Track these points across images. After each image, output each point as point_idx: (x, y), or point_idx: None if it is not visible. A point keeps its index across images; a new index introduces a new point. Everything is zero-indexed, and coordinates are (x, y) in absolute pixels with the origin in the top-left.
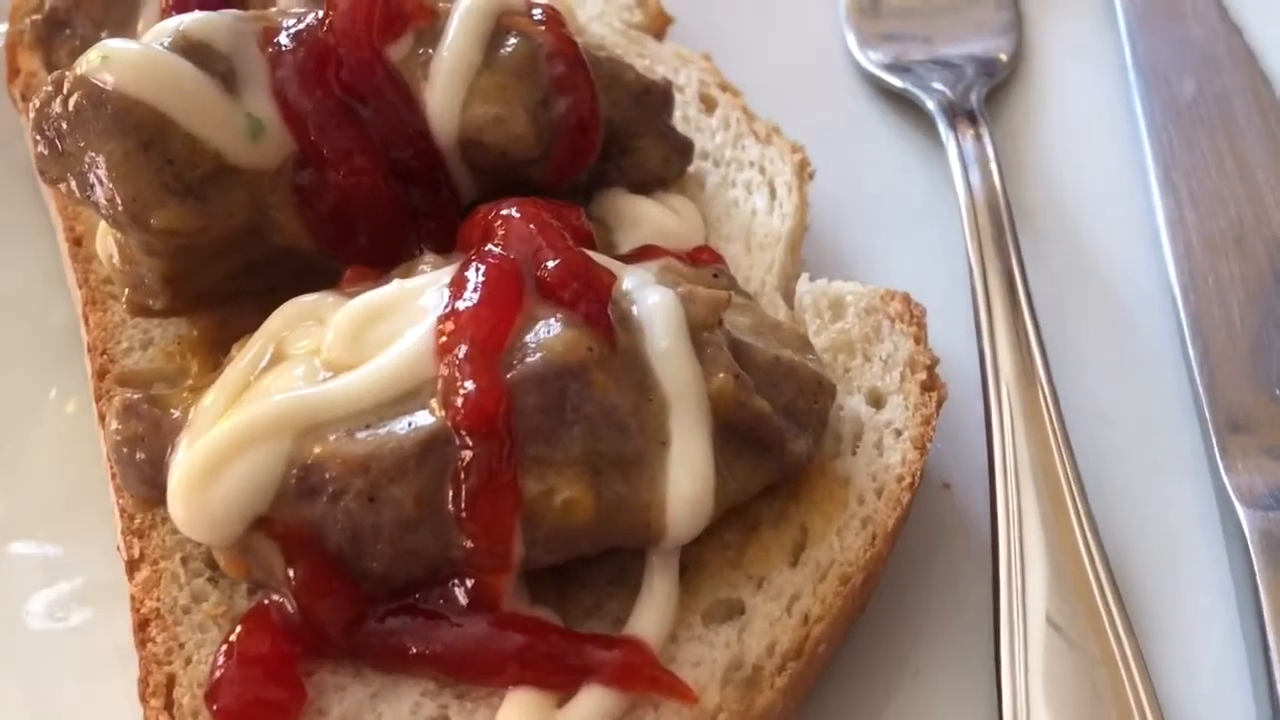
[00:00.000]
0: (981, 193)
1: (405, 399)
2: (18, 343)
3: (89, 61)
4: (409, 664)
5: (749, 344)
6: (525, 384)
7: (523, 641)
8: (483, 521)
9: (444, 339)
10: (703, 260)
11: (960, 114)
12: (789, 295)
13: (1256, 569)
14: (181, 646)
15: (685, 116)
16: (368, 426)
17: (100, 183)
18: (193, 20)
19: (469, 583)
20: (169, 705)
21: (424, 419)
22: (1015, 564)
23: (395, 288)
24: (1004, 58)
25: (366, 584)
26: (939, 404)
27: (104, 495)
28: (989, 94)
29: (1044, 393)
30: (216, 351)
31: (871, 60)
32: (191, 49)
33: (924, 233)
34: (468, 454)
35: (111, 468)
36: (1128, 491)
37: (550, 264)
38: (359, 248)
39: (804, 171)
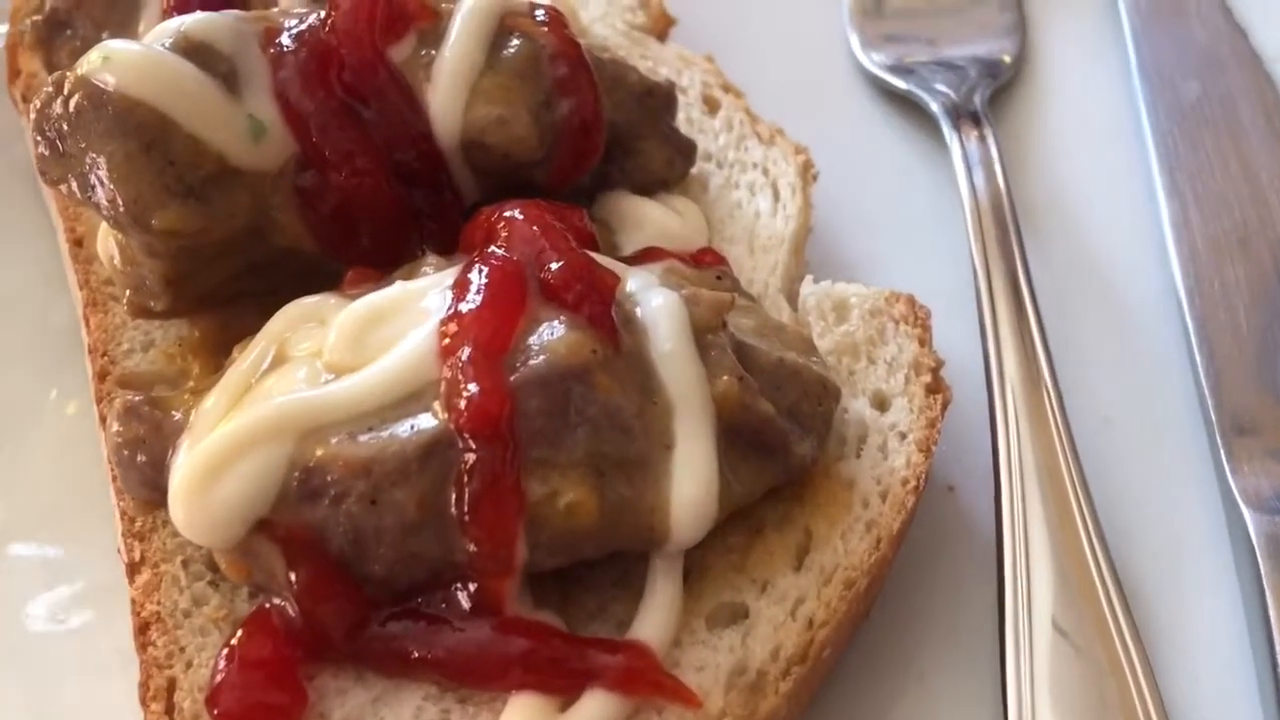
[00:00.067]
0: (986, 194)
1: (408, 401)
2: (18, 344)
3: (90, 62)
4: (411, 668)
5: (753, 346)
6: (529, 386)
7: (526, 646)
8: (486, 525)
9: (447, 341)
10: (706, 262)
11: (964, 115)
12: (793, 297)
13: (1263, 572)
14: (182, 650)
15: (688, 118)
16: (370, 429)
17: (101, 184)
18: (194, 21)
19: (472, 586)
20: (170, 709)
21: (427, 422)
22: (1020, 567)
23: (398, 289)
24: (1008, 59)
25: (368, 587)
26: (944, 407)
27: (105, 497)
28: (993, 95)
29: (1049, 395)
30: (218, 353)
31: (875, 62)
32: (193, 50)
33: (928, 235)
34: (471, 457)
35: (112, 470)
36: (1133, 495)
37: (554, 266)
38: (361, 249)
39: (807, 173)
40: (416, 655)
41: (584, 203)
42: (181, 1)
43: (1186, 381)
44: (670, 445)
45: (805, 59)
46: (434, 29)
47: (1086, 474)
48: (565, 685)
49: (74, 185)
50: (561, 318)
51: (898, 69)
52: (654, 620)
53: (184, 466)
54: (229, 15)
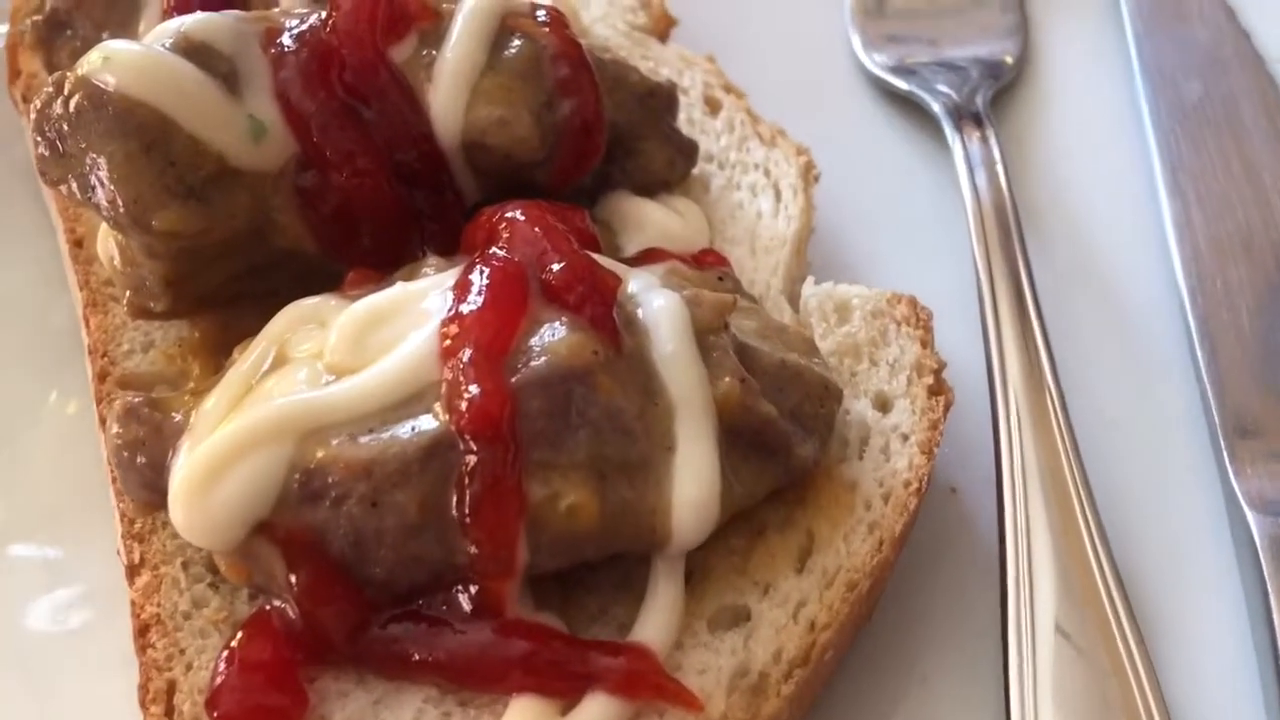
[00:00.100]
0: (988, 195)
1: (409, 403)
2: (18, 344)
3: (90, 63)
4: (412, 670)
5: (755, 348)
6: (530, 388)
7: (527, 648)
8: (487, 527)
9: (448, 342)
10: (708, 263)
11: (966, 116)
12: (794, 298)
13: (1267, 575)
14: (182, 652)
15: (690, 119)
16: (371, 431)
17: (101, 184)
18: (195, 21)
19: (473, 589)
20: (170, 712)
21: (427, 423)
22: (1023, 570)
23: (398, 290)
24: (1010, 60)
25: (369, 590)
26: (946, 408)
27: (105, 498)
28: (995, 96)
29: (1051, 397)
30: (218, 354)
31: (877, 63)
32: (193, 50)
33: (930, 236)
34: (472, 459)
35: (112, 471)
36: (1136, 496)
37: (555, 267)
38: (362, 250)
39: (809, 174)
40: (417, 658)
41: (585, 203)
42: (182, 2)
43: (1189, 383)
44: (672, 447)
45: (807, 60)
46: (435, 29)
47: (1089, 475)
48: (566, 688)
49: (74, 186)
50: (563, 319)
51: (899, 70)
52: (655, 623)
53: (184, 468)
54: (229, 15)
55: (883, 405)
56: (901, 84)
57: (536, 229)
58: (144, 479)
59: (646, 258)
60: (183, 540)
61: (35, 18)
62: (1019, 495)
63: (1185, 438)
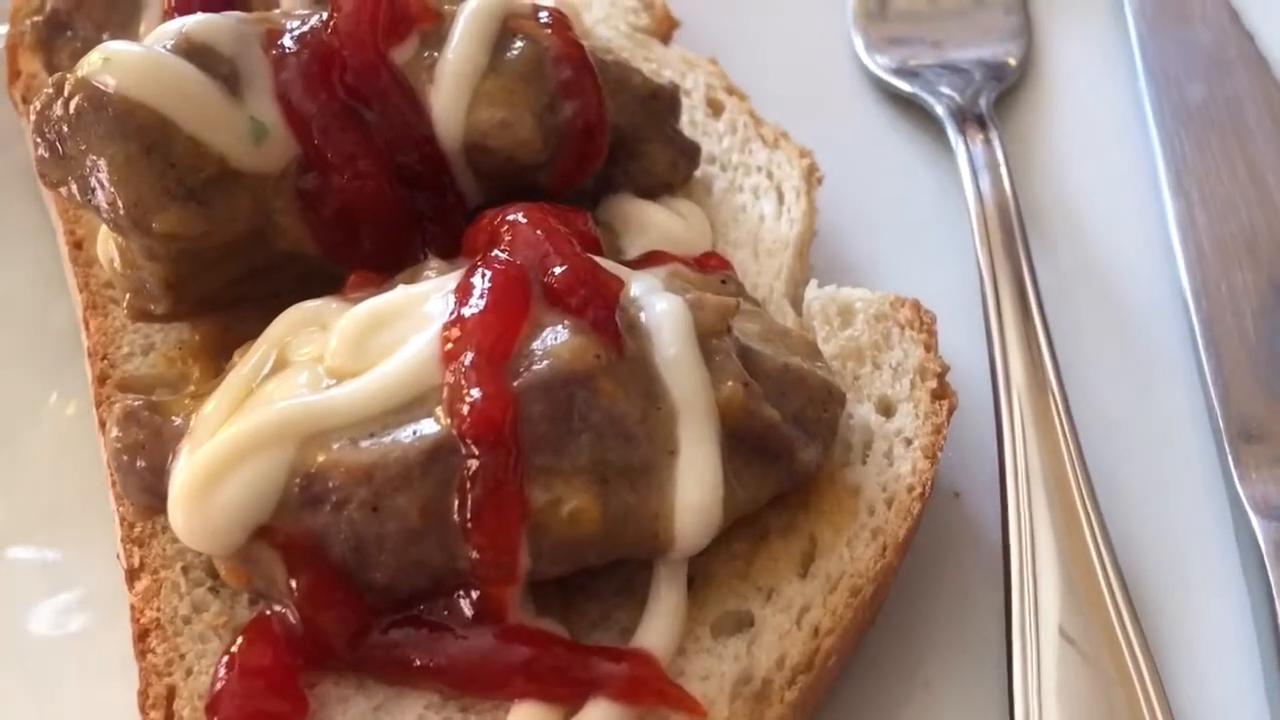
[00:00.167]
0: (991, 198)
1: (410, 407)
2: (18, 345)
3: (90, 64)
4: (413, 676)
5: (758, 351)
6: (532, 392)
7: (528, 654)
8: (488, 532)
9: (449, 346)
10: (710, 266)
11: (969, 119)
12: (797, 302)
13: (1272, 580)
14: (182, 657)
15: (692, 120)
16: (372, 435)
17: (101, 186)
18: (196, 22)
19: (474, 594)
20: (169, 717)
21: (429, 427)
22: (1027, 574)
23: (400, 294)
24: (1013, 62)
25: (370, 595)
26: (950, 412)
27: (105, 500)
28: (998, 98)
29: (1055, 400)
30: (219, 357)
31: (879, 65)
32: (194, 51)
33: (933, 238)
34: (473, 463)
35: (111, 475)
36: (1140, 501)
37: (557, 270)
38: (363, 253)
39: (812, 176)
40: (418, 663)
41: (587, 206)
42: (183, 3)
43: (1193, 387)
44: (674, 451)
45: (809, 62)
46: (436, 31)
47: (1093, 480)
48: (568, 694)
49: (74, 188)
50: (565, 322)
51: (902, 72)
52: (658, 628)
53: (184, 472)
54: (230, 17)
55: (886, 409)
56: (904, 86)
57: (538, 231)
58: (144, 483)
59: (649, 260)
60: (183, 544)
61: (35, 18)
62: (1023, 499)
63: (1189, 442)
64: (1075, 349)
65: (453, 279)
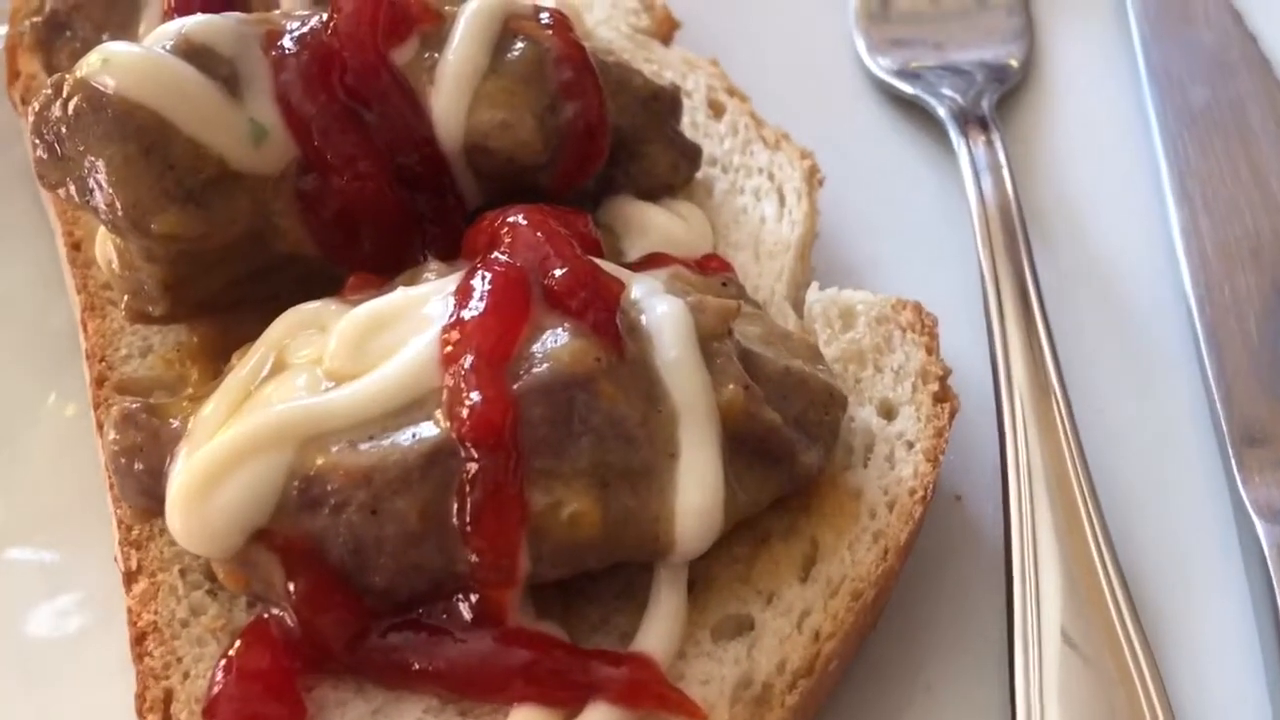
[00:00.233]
0: (993, 200)
1: (409, 409)
2: (16, 346)
3: (89, 64)
4: (412, 680)
5: (759, 354)
6: (532, 395)
7: (528, 658)
8: (488, 535)
9: (449, 348)
10: (711, 268)
11: (971, 120)
12: (798, 304)
13: (1275, 584)
14: (179, 660)
15: (693, 122)
16: (371, 437)
17: (100, 188)
18: (195, 23)
19: (473, 598)
20: None
21: (428, 430)
22: (1029, 578)
23: (399, 296)
24: (1015, 63)
25: (369, 598)
26: (951, 415)
27: (104, 501)
28: (1000, 100)
29: (1057, 404)
30: (217, 359)
31: (881, 66)
32: (194, 52)
33: (935, 241)
34: (473, 466)
35: (109, 477)
36: (1143, 505)
37: (557, 272)
38: (363, 254)
39: (813, 178)
40: (417, 667)
41: (588, 207)
42: (182, 3)
43: (1197, 390)
44: (675, 454)
45: (811, 63)
46: (437, 32)
47: (1095, 482)
48: (568, 698)
49: (72, 189)
50: (565, 325)
51: (904, 73)
52: (658, 632)
53: (182, 475)
54: (230, 18)
55: (887, 412)
56: (906, 88)
57: (539, 233)
58: (141, 485)
59: (650, 263)
60: (180, 547)
61: (35, 19)
62: (1025, 502)
63: (1192, 445)
64: (1077, 351)
65: (452, 281)
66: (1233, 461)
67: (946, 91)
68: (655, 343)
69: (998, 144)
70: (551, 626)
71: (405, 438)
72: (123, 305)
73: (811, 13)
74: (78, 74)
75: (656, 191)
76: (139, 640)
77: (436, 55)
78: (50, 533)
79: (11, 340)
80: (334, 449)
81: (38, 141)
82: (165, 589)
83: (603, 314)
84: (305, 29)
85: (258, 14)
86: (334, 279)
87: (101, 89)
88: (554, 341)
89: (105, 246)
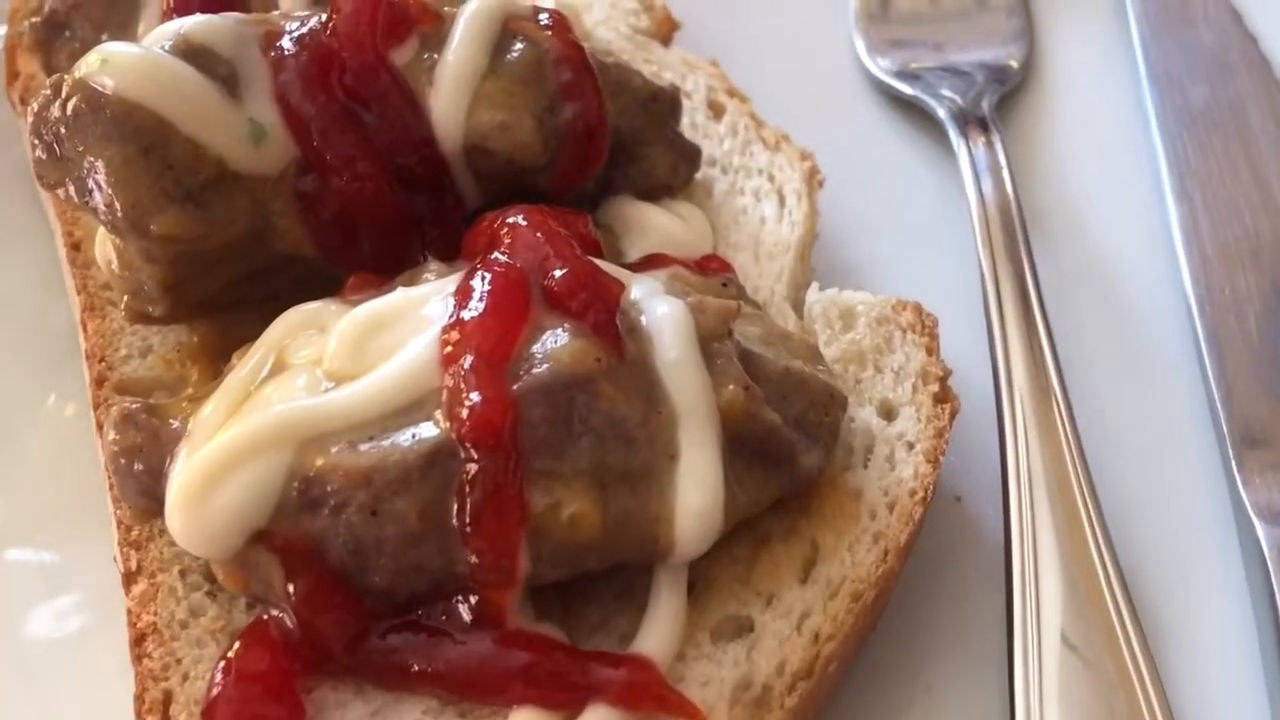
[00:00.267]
0: (993, 201)
1: (409, 410)
2: (16, 346)
3: (88, 65)
4: (411, 681)
5: (759, 355)
6: (532, 395)
7: (527, 659)
8: (488, 536)
9: (449, 349)
10: (711, 269)
11: (971, 121)
12: (798, 305)
13: (1275, 586)
14: (179, 662)
15: (693, 123)
16: (370, 438)
17: (99, 188)
18: (194, 23)
19: (473, 599)
20: None
21: (428, 431)
22: (1029, 579)
23: (399, 296)
24: (1015, 64)
25: (368, 599)
26: (952, 416)
27: (104, 502)
28: (1000, 101)
29: (1058, 405)
30: (217, 359)
31: (881, 67)
32: (193, 53)
33: (935, 241)
34: (473, 467)
35: (109, 478)
36: (1143, 506)
37: (557, 273)
38: (362, 255)
39: (813, 179)
40: (417, 668)
41: (588, 208)
42: (181, 3)
43: (1197, 391)
44: (675, 455)
45: (811, 64)
46: (436, 33)
47: (1095, 484)
48: (567, 699)
49: (71, 189)
50: (565, 326)
51: (904, 74)
52: (657, 633)
53: (181, 476)
54: (229, 18)
55: (888, 413)
56: (906, 89)
57: (538, 234)
58: (141, 486)
59: (649, 263)
60: (180, 548)
61: (34, 19)
62: (1025, 504)
63: (1193, 447)
64: (1078, 352)
65: (452, 281)
66: (1233, 463)
67: (946, 92)
68: (655, 343)
69: (998, 145)
70: (551, 628)
71: (405, 438)
72: (122, 305)
73: (811, 14)
74: (76, 74)
75: (656, 192)
76: (138, 641)
77: (436, 56)
78: (50, 533)
79: (11, 340)
80: (334, 450)
81: (36, 142)
82: (165, 590)
83: (603, 315)
84: (304, 29)
85: (257, 14)
86: (334, 279)
87: (100, 89)
88: (554, 342)
89: (105, 247)
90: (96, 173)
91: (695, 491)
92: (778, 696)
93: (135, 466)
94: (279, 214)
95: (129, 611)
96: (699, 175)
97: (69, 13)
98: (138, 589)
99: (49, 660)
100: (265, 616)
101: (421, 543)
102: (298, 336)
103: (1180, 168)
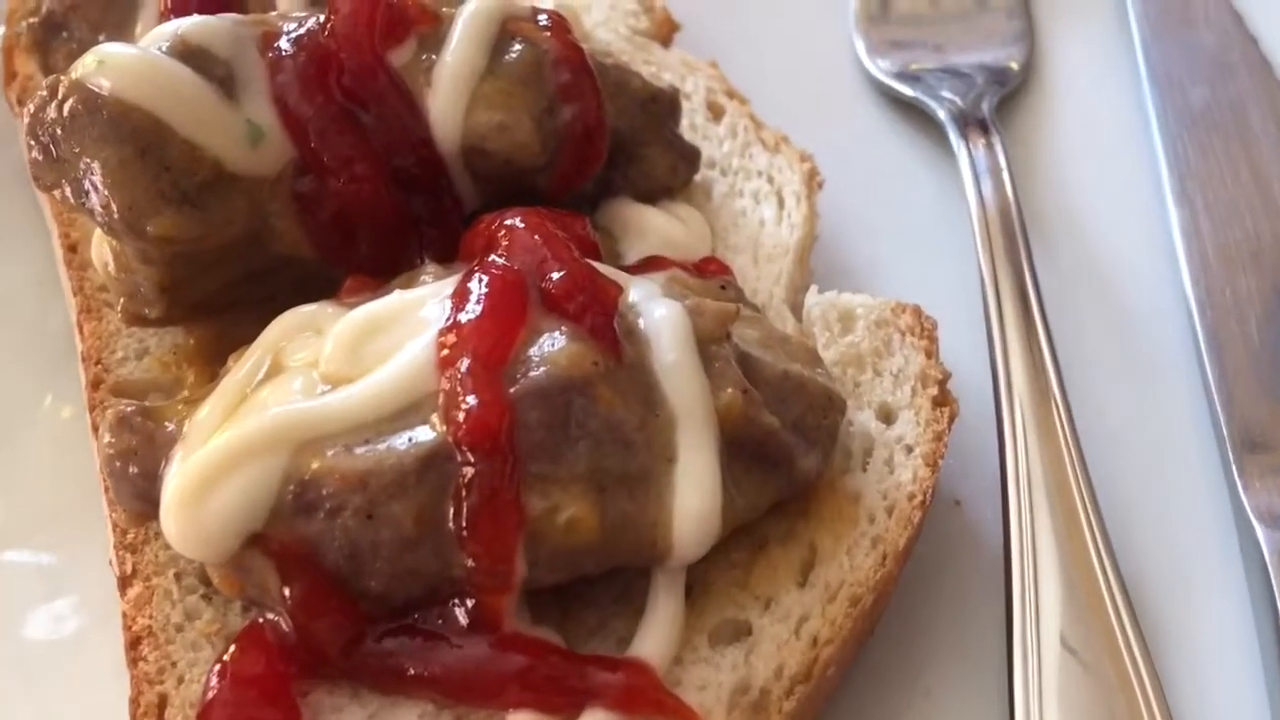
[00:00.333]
0: (993, 203)
1: (405, 413)
2: (14, 347)
3: (85, 66)
4: (407, 685)
5: (757, 358)
6: (529, 399)
7: (524, 663)
8: (484, 540)
9: (445, 352)
10: (710, 271)
11: (971, 123)
12: (797, 308)
13: (1275, 590)
14: (174, 665)
15: (692, 124)
16: (367, 441)
17: (95, 190)
18: (191, 24)
19: (469, 602)
20: None
21: (424, 434)
22: (1028, 583)
23: (396, 299)
24: (1015, 66)
25: (364, 603)
26: (951, 419)
27: (101, 504)
28: (1000, 103)
29: (1058, 408)
30: (213, 361)
31: (881, 68)
32: (190, 54)
33: (935, 244)
34: (469, 470)
35: (104, 481)
36: (1143, 510)
37: (555, 275)
38: (360, 256)
39: (813, 181)
40: (413, 672)
41: (586, 210)
42: (179, 4)
43: (1197, 394)
44: (673, 459)
45: (810, 65)
46: (435, 33)
47: (1095, 488)
48: (564, 703)
49: (67, 191)
50: (563, 329)
51: (904, 76)
52: (655, 637)
53: (176, 479)
54: (227, 19)
55: (886, 416)
56: (906, 90)
57: (536, 236)
58: (136, 489)
59: (648, 266)
60: (175, 551)
61: (31, 20)
62: (1024, 508)
63: (1193, 450)
64: (1078, 355)
65: (449, 284)
66: (1233, 466)
67: (946, 94)
68: (653, 346)
69: (998, 146)
70: (548, 632)
71: (401, 442)
72: (119, 307)
73: (811, 15)
74: (73, 75)
75: (655, 194)
76: (133, 645)
77: (434, 57)
78: (48, 534)
79: (9, 341)
80: (329, 453)
81: (33, 143)
82: (160, 593)
83: (600, 318)
84: (302, 30)
85: (254, 15)
86: (331, 281)
87: (97, 90)
88: (551, 345)
89: (101, 248)
90: (93, 174)
91: (693, 495)
92: (775, 701)
93: (130, 469)
94: (276, 215)
95: (124, 615)
96: (698, 177)
97: (66, 13)
98: (133, 592)
99: (46, 662)
100: (261, 620)
101: (418, 546)
102: (294, 339)
103: (1181, 169)
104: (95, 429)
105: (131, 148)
